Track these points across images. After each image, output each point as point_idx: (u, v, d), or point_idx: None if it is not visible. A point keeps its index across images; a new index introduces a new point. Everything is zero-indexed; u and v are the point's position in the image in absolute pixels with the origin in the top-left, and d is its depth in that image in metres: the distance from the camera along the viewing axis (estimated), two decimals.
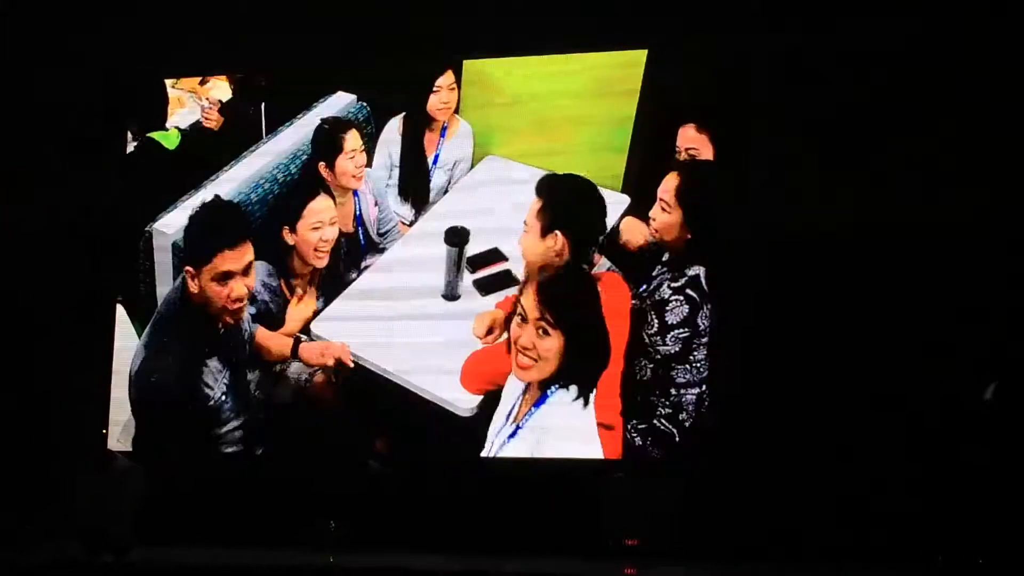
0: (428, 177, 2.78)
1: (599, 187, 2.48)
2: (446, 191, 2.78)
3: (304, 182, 2.68)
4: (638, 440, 2.44)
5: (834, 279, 2.51)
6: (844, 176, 2.53)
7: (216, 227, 2.47)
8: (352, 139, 2.69)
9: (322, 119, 2.72)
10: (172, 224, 2.61)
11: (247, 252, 2.45)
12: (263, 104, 2.80)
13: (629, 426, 2.42)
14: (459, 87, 2.73)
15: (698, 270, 2.39)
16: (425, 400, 2.50)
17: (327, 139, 2.68)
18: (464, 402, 2.46)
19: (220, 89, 2.84)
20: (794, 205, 2.52)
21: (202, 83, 2.81)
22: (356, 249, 2.76)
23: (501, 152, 2.73)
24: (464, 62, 2.72)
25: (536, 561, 2.32)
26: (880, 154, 2.52)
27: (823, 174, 2.54)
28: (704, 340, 2.40)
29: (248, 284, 2.47)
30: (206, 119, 2.84)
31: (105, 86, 2.93)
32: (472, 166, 2.77)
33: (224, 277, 2.42)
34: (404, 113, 2.78)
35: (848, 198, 2.51)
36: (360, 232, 2.77)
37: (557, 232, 2.38)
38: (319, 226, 2.59)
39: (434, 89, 2.73)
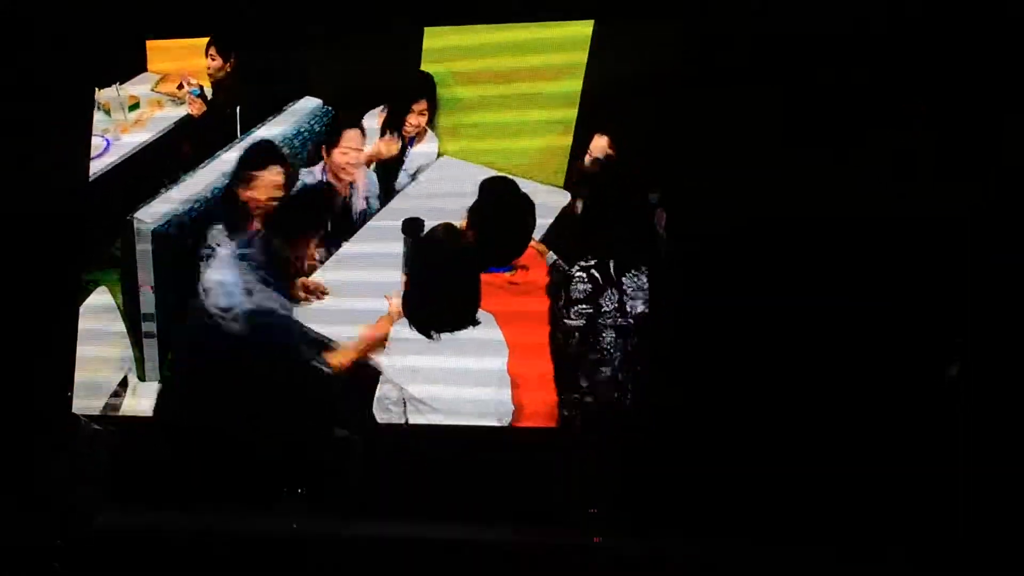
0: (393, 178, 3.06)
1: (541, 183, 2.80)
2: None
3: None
4: (566, 411, 2.68)
5: (759, 273, 2.61)
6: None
7: None
8: (351, 137, 2.96)
9: (339, 111, 3.01)
10: (153, 214, 2.83)
11: None
12: (238, 108, 3.04)
13: (562, 397, 2.67)
14: (430, 113, 3.01)
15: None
16: None
17: (333, 126, 2.99)
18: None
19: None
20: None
21: (179, 87, 3.05)
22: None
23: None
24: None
25: (502, 530, 2.45)
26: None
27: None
28: (610, 323, 2.65)
29: None
30: (190, 103, 3.06)
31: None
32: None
33: None
34: (384, 110, 3.02)
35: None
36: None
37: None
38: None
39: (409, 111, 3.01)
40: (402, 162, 3.04)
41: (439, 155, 3.01)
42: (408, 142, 3.03)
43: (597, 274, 2.66)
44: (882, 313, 2.53)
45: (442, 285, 2.62)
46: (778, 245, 2.59)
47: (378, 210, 3.02)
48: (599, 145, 2.80)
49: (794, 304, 2.54)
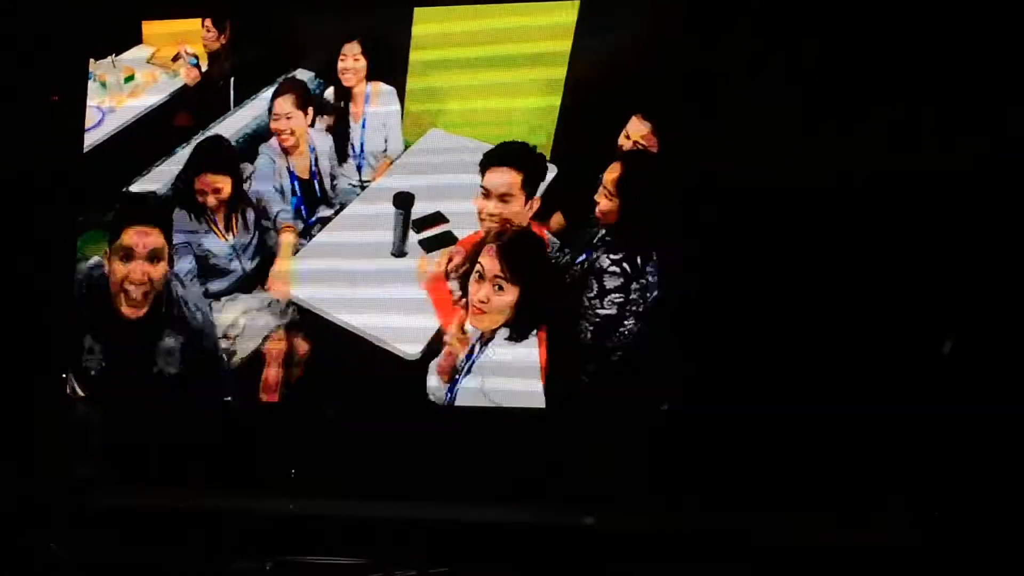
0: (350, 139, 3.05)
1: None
2: (385, 150, 3.01)
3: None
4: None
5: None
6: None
7: None
8: (281, 103, 2.97)
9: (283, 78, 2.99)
10: (147, 186, 2.90)
11: None
12: (232, 79, 3.05)
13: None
14: (366, 57, 2.97)
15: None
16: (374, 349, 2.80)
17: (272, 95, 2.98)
18: (410, 348, 2.76)
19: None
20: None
21: (174, 59, 3.05)
22: (312, 196, 3.03)
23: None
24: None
25: (494, 509, 2.49)
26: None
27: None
28: (634, 309, 2.68)
29: None
30: (187, 73, 3.06)
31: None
32: (403, 124, 2.99)
33: None
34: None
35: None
36: (316, 183, 3.04)
37: (537, 197, 2.72)
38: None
39: (340, 57, 2.97)
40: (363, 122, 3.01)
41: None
42: (364, 99, 3.00)
43: (627, 266, 2.67)
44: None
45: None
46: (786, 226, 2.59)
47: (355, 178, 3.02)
48: (639, 130, 2.74)
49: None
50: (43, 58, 2.97)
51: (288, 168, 3.00)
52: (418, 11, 2.86)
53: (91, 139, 3.02)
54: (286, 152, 3.00)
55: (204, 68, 3.06)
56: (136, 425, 2.78)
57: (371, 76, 2.99)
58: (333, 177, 3.04)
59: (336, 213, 3.01)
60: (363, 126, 3.04)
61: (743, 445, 2.55)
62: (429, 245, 2.91)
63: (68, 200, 2.95)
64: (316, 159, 3.03)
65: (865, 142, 2.55)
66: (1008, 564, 2.24)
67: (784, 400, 2.52)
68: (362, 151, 3.02)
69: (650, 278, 2.66)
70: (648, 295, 2.66)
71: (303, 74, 3.02)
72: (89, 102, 3.04)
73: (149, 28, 3.08)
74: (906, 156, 2.52)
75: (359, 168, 3.03)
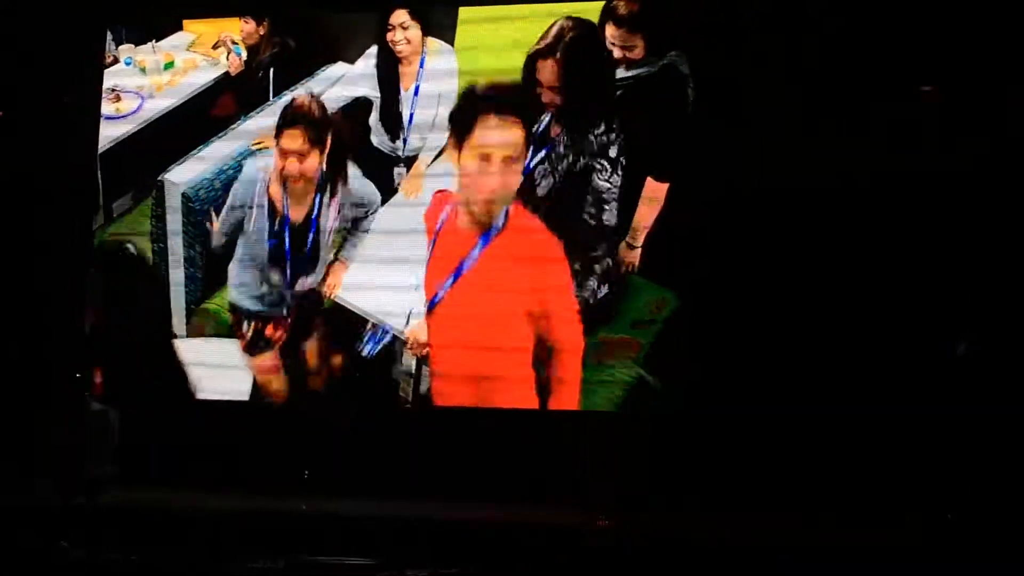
0: (401, 109, 2.88)
1: None
2: (433, 126, 2.84)
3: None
4: None
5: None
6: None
7: None
8: (289, 139, 2.75)
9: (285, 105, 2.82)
10: (182, 176, 2.88)
11: None
12: (271, 70, 3.02)
13: None
14: (421, 22, 2.82)
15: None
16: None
17: (278, 123, 2.80)
18: None
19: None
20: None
21: (215, 47, 3.04)
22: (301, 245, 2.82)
23: None
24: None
25: (506, 510, 2.44)
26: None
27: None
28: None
29: None
30: (231, 62, 3.03)
31: None
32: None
33: None
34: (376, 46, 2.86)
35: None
36: (310, 235, 2.81)
37: None
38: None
39: (388, 28, 2.83)
40: (416, 89, 2.82)
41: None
42: (420, 64, 2.83)
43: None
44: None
45: None
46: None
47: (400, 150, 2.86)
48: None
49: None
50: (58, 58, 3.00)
51: (279, 204, 2.79)
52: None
53: (129, 125, 3.03)
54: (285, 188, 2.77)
55: (245, 57, 3.05)
56: (150, 426, 2.79)
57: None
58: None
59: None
60: (415, 93, 2.88)
61: (743, 447, 2.52)
62: None
63: (82, 203, 2.98)
64: (319, 209, 2.79)
65: (865, 142, 2.51)
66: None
67: (788, 401, 2.47)
68: (410, 123, 2.85)
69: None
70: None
71: (342, 67, 2.95)
72: (128, 87, 3.05)
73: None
74: (906, 156, 2.49)
75: (405, 141, 2.86)
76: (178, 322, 2.94)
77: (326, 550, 2.39)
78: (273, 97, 2.98)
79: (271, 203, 2.78)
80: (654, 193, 2.61)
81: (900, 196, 2.51)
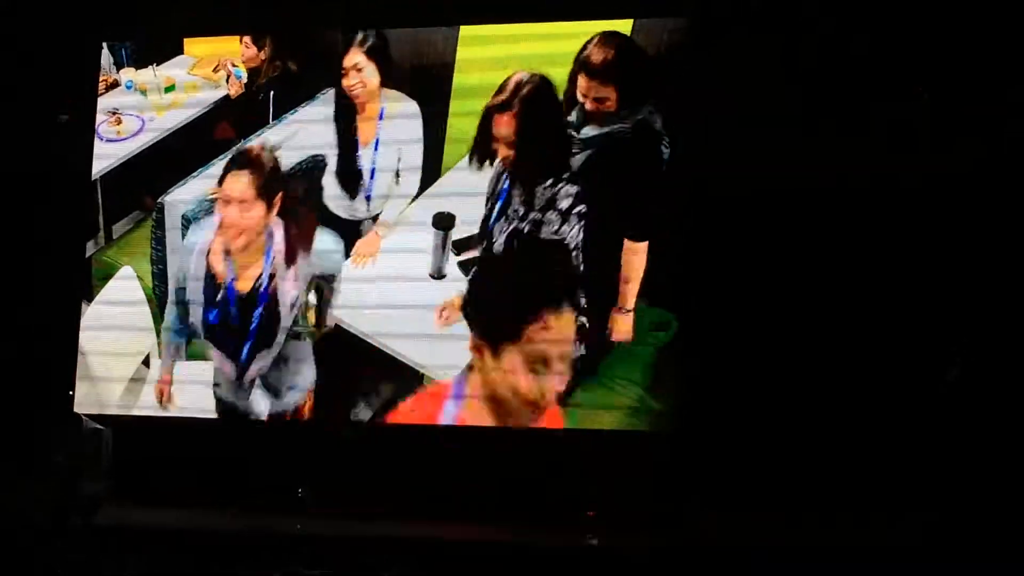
0: (359, 165, 2.85)
1: None
2: (398, 174, 2.83)
3: None
4: None
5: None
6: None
7: None
8: (231, 183, 2.71)
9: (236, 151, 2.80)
10: (183, 197, 2.87)
11: None
12: (271, 92, 3.03)
13: None
14: (377, 62, 2.79)
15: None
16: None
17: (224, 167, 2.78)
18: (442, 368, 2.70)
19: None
20: None
21: (215, 70, 3.05)
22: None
23: None
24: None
25: (494, 529, 2.42)
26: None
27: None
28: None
29: None
30: (231, 84, 3.04)
31: None
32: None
33: None
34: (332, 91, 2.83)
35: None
36: (259, 312, 2.72)
37: None
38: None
39: (342, 71, 2.80)
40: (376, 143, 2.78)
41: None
42: (379, 115, 2.79)
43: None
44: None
45: None
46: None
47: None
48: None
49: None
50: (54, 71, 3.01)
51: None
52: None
53: (131, 147, 3.03)
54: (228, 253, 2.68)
55: (245, 81, 3.05)
56: (144, 443, 2.75)
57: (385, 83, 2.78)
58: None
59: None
60: (375, 148, 2.86)
61: (744, 451, 2.51)
62: (468, 267, 2.84)
63: (80, 215, 2.98)
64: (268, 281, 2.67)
65: (864, 142, 2.52)
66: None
67: (788, 402, 2.49)
68: (372, 178, 2.82)
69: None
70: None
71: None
72: (129, 110, 3.05)
73: (191, 41, 3.08)
74: (905, 156, 2.50)
75: (367, 199, 2.82)
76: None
77: (321, 566, 2.38)
78: (273, 120, 2.99)
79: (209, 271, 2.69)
80: (634, 252, 2.61)
81: (893, 208, 2.51)
